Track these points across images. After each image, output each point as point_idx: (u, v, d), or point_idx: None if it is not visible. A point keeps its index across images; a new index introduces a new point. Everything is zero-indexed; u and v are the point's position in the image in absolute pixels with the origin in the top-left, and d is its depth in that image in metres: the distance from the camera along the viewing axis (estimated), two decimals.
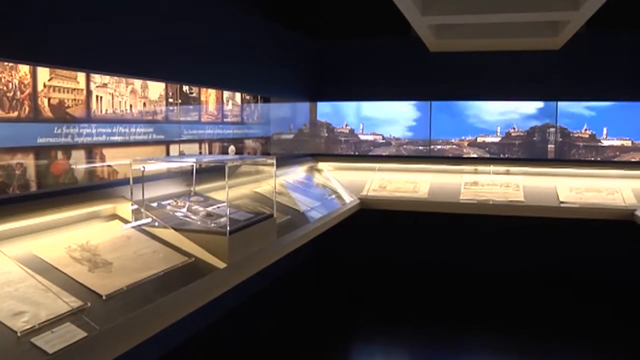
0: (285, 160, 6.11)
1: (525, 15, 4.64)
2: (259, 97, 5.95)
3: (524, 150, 6.73)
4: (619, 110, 6.52)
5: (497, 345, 4.74)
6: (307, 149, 7.08)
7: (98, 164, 3.81)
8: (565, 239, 6.50)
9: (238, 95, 5.57)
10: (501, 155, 6.76)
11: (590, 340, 4.83)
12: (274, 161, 4.05)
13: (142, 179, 3.29)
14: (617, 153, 6.57)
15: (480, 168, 6.51)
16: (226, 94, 5.34)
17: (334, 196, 5.79)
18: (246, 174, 4.73)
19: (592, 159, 6.60)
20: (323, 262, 6.92)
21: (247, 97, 5.75)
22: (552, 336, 4.87)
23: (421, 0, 4.42)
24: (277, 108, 6.36)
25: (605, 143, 6.60)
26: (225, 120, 5.36)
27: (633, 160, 6.49)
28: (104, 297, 2.30)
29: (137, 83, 4.16)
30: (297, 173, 6.09)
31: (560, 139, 6.67)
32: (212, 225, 3.18)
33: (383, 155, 6.99)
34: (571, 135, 6.65)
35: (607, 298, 5.92)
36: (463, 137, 6.84)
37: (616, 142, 6.57)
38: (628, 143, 6.54)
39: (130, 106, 4.09)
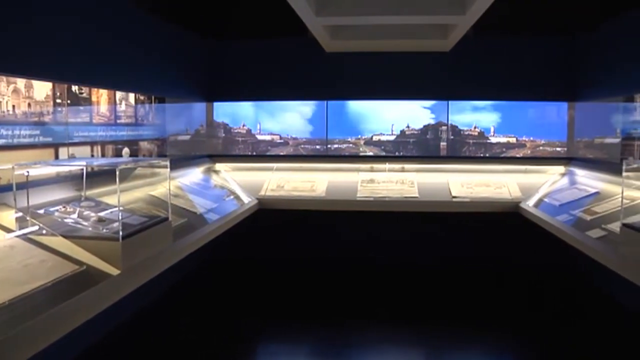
0: (182, 161, 6.00)
1: (415, 18, 4.79)
2: (153, 97, 5.80)
3: (418, 148, 6.94)
4: (505, 109, 6.86)
5: (399, 338, 4.87)
6: (204, 150, 6.98)
7: None
8: (458, 232, 6.79)
9: (132, 95, 5.40)
10: (396, 153, 6.93)
11: (487, 326, 5.09)
12: (168, 163, 3.96)
13: (27, 185, 3.13)
14: (504, 149, 6.91)
15: (376, 166, 6.68)
16: (119, 94, 5.15)
17: (232, 197, 5.75)
18: (141, 177, 4.60)
19: (482, 155, 6.90)
20: (222, 264, 6.84)
21: (142, 98, 5.58)
22: (452, 324, 5.09)
23: (315, 1, 4.47)
24: (173, 109, 6.22)
25: (493, 140, 6.92)
26: (118, 121, 5.17)
27: (518, 156, 6.86)
28: None
29: (21, 82, 3.94)
30: (194, 175, 6.00)
31: (452, 137, 6.92)
32: (104, 230, 3.07)
33: (281, 155, 7.00)
34: (462, 133, 6.93)
35: (498, 284, 6.27)
36: (359, 136, 6.96)
37: (503, 139, 6.91)
38: (513, 140, 6.90)
39: (13, 107, 3.87)
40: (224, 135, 7.12)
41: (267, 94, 6.97)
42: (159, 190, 4.66)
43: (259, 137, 7.08)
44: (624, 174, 3.69)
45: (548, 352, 4.59)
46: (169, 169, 4.02)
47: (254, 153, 7.06)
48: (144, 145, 5.65)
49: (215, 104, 7.11)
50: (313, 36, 5.45)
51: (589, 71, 6.34)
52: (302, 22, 4.77)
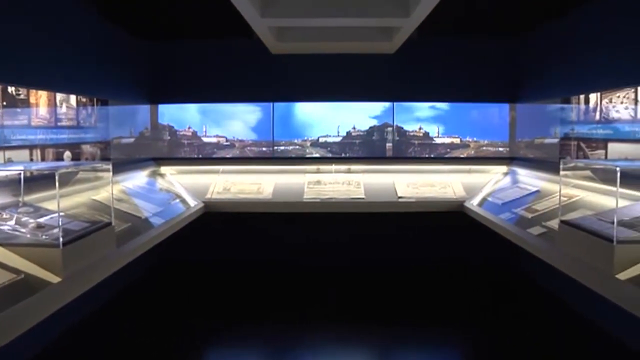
0: (126, 165, 5.88)
1: (360, 20, 4.82)
2: (95, 99, 5.67)
3: (364, 149, 6.99)
4: (450, 110, 6.98)
5: (349, 338, 4.89)
6: (149, 153, 6.86)
7: None
8: (404, 232, 6.88)
9: (73, 97, 5.26)
10: (343, 155, 6.97)
11: (433, 323, 5.16)
12: (110, 167, 3.88)
13: None
14: (448, 150, 7.02)
15: (323, 167, 6.71)
16: (59, 96, 5.01)
17: (177, 200, 5.67)
18: (83, 181, 4.50)
19: (427, 155, 7.00)
20: (169, 268, 6.76)
21: (83, 100, 5.45)
22: (400, 323, 5.15)
23: (260, 2, 4.45)
24: (116, 111, 6.09)
25: (438, 141, 7.02)
26: (59, 124, 5.03)
27: (462, 156, 6.99)
28: None
29: None
30: (138, 178, 5.90)
31: (397, 138, 7.00)
32: (44, 237, 2.98)
33: (227, 157, 6.93)
34: (407, 134, 7.01)
35: (444, 282, 6.37)
36: (306, 138, 6.97)
37: (447, 140, 7.03)
38: (457, 141, 7.02)
39: None
40: (169, 138, 7.02)
41: (212, 96, 6.90)
42: (102, 194, 4.57)
43: (205, 140, 7.00)
44: (562, 172, 3.80)
45: (492, 347, 4.69)
46: (111, 173, 3.94)
47: (200, 156, 6.98)
48: (87, 148, 5.52)
49: (161, 106, 6.99)
50: (259, 37, 5.42)
51: (529, 73, 6.51)
52: (248, 23, 4.75)
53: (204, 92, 6.88)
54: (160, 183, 6.18)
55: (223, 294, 6.02)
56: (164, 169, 6.63)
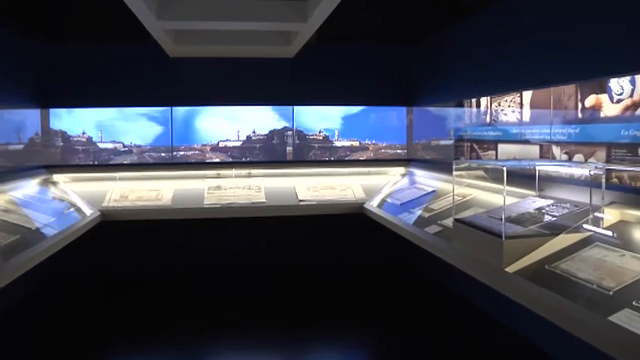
0: (14, 173, 5.56)
1: (258, 24, 4.81)
2: None
3: (264, 154, 6.98)
4: (349, 114, 7.10)
5: (256, 343, 4.86)
6: (40, 161, 6.50)
7: None
8: (307, 234, 6.93)
9: None
10: (243, 159, 6.93)
11: (337, 323, 5.21)
12: None
13: None
14: (348, 153, 7.14)
15: (223, 172, 6.63)
16: None
17: (72, 210, 5.44)
18: None
19: (327, 159, 7.08)
20: (66, 280, 6.47)
21: None
22: (305, 324, 5.17)
23: (156, 5, 4.35)
24: (1, 116, 5.75)
25: (338, 144, 7.12)
26: None
27: (361, 159, 7.12)
28: None
29: None
30: (29, 187, 5.60)
31: (298, 142, 7.03)
32: None
33: (124, 164, 6.71)
34: (307, 137, 7.06)
35: (347, 283, 6.48)
36: (206, 143, 6.87)
37: (347, 143, 7.14)
38: (357, 144, 7.15)
39: None
40: (62, 144, 6.71)
41: (108, 100, 6.65)
42: None
43: (101, 146, 6.75)
44: (455, 173, 3.94)
45: (396, 344, 4.80)
46: None
47: (96, 162, 6.72)
48: None
49: (52, 111, 6.67)
50: (156, 40, 5.30)
51: (425, 78, 6.73)
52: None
53: (100, 97, 6.61)
54: (53, 192, 5.90)
55: (123, 304, 5.83)
56: (57, 177, 6.33)
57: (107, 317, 5.48)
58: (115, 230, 6.07)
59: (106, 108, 6.72)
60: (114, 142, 6.78)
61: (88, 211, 5.60)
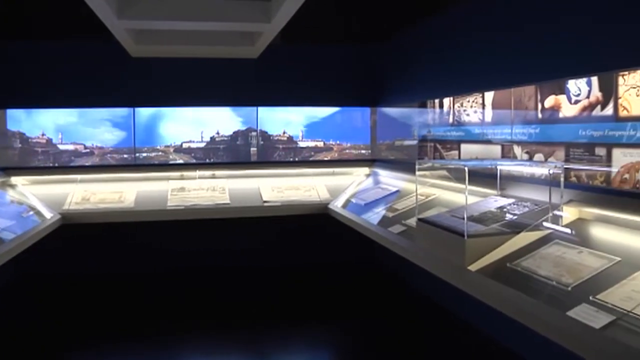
0: None
1: (220, 24, 4.78)
2: None
3: (228, 154, 6.94)
4: (313, 114, 7.12)
5: (220, 344, 4.84)
6: None
7: None
8: (271, 235, 6.92)
9: None
10: (207, 160, 6.88)
11: (303, 323, 5.22)
12: None
13: None
14: (312, 153, 7.14)
15: (187, 174, 6.58)
16: None
17: (31, 213, 5.32)
18: None
19: (291, 159, 7.08)
20: (26, 284, 6.33)
21: None
22: (271, 325, 5.16)
23: (116, 3, 4.29)
24: None
25: (302, 145, 7.13)
26: None
27: (326, 159, 7.13)
28: None
29: None
30: None
31: (262, 142, 7.02)
32: None
33: (85, 165, 6.60)
34: (271, 138, 7.05)
35: (310, 282, 6.51)
36: (169, 144, 6.80)
37: (311, 144, 7.15)
38: (321, 144, 7.16)
39: None
40: (20, 145, 6.56)
41: (69, 100, 6.51)
42: None
43: (61, 147, 6.62)
44: (417, 173, 3.98)
45: (360, 341, 4.82)
46: None
47: (56, 164, 6.59)
48: None
49: (9, 111, 6.51)
50: (117, 40, 5.23)
51: (388, 79, 6.77)
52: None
53: (60, 97, 6.47)
54: (11, 195, 5.77)
55: (84, 307, 5.73)
56: (15, 180, 6.19)
57: (66, 319, 5.39)
58: (76, 233, 5.96)
59: (66, 108, 6.59)
60: (74, 143, 6.65)
61: (48, 214, 5.49)
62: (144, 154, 6.75)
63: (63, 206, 5.77)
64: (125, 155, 6.70)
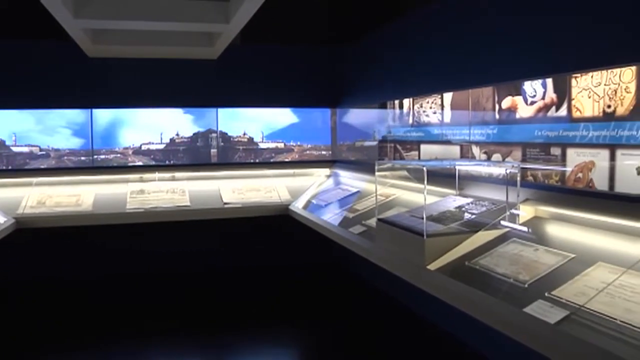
0: None
1: (178, 24, 4.75)
2: None
3: (188, 156, 6.88)
4: (274, 116, 7.10)
5: (182, 348, 4.80)
6: None
7: None
8: (232, 237, 6.88)
9: None
10: (167, 162, 6.80)
11: (261, 325, 5.20)
12: None
13: None
14: (273, 154, 7.13)
15: (146, 176, 6.50)
16: None
17: None
18: None
19: (252, 161, 7.05)
20: None
21: None
22: (236, 327, 5.14)
23: (72, 2, 4.22)
24: None
25: (263, 146, 7.11)
26: None
27: (286, 160, 7.13)
28: None
29: None
30: None
31: (222, 144, 6.97)
32: None
33: (41, 168, 6.45)
34: (232, 139, 7.01)
35: (271, 284, 6.52)
36: (128, 146, 6.71)
37: (272, 145, 7.14)
38: (281, 145, 7.16)
39: None
40: None
41: (23, 101, 6.35)
42: None
43: (15, 150, 6.45)
44: (377, 173, 4.00)
45: (322, 342, 4.83)
46: None
47: (9, 167, 6.42)
48: None
49: None
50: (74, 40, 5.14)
51: (349, 80, 6.82)
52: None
53: (13, 98, 6.29)
54: None
55: (39, 314, 5.62)
56: None
57: (20, 326, 5.29)
58: (32, 238, 5.83)
59: (21, 110, 6.42)
60: (29, 145, 6.49)
61: (1, 219, 5.35)
62: (102, 156, 6.63)
63: (17, 210, 5.62)
64: (82, 158, 6.58)
